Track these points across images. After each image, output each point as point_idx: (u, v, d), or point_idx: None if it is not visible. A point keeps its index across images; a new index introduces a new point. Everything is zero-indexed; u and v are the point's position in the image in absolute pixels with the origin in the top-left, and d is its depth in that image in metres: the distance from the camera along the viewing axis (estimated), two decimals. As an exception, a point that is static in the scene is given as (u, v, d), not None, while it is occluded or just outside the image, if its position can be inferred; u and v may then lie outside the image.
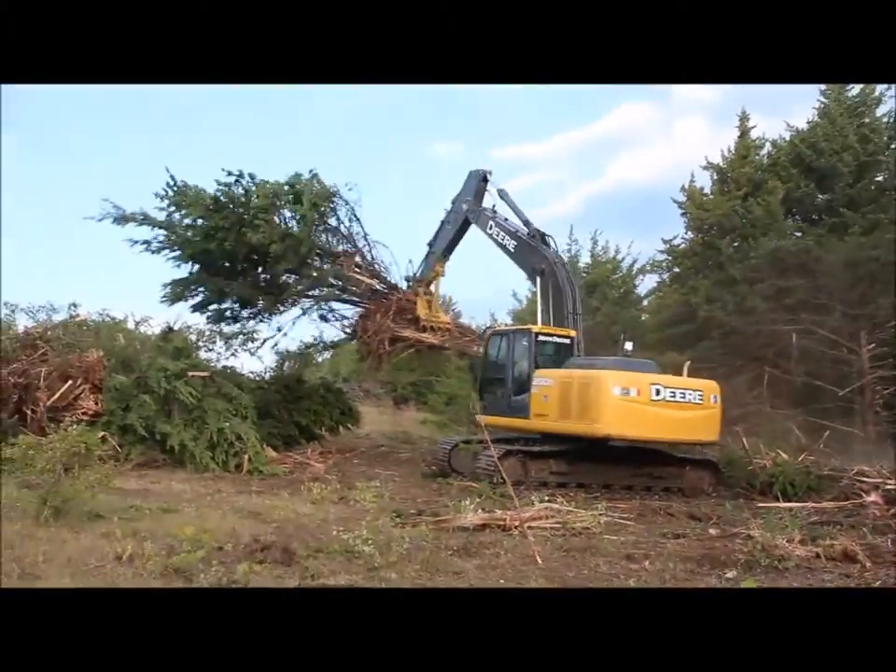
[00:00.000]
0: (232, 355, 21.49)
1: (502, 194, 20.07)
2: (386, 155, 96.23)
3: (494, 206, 20.25)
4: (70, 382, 16.63)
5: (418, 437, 25.56)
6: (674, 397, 14.52)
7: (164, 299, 22.39)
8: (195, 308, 22.77)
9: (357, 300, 22.94)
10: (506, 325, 17.53)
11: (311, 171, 21.36)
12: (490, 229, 19.54)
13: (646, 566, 8.85)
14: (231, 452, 16.89)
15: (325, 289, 22.54)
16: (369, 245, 22.81)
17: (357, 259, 22.57)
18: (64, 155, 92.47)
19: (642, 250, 45.21)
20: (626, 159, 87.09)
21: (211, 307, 23.01)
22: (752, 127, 32.43)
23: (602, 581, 8.10)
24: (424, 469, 18.38)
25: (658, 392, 14.38)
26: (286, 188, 20.77)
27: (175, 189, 21.34)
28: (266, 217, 20.07)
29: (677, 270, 30.01)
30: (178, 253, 21.80)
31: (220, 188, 21.04)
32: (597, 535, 10.53)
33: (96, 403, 16.66)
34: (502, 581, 7.84)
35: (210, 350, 20.81)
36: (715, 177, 30.23)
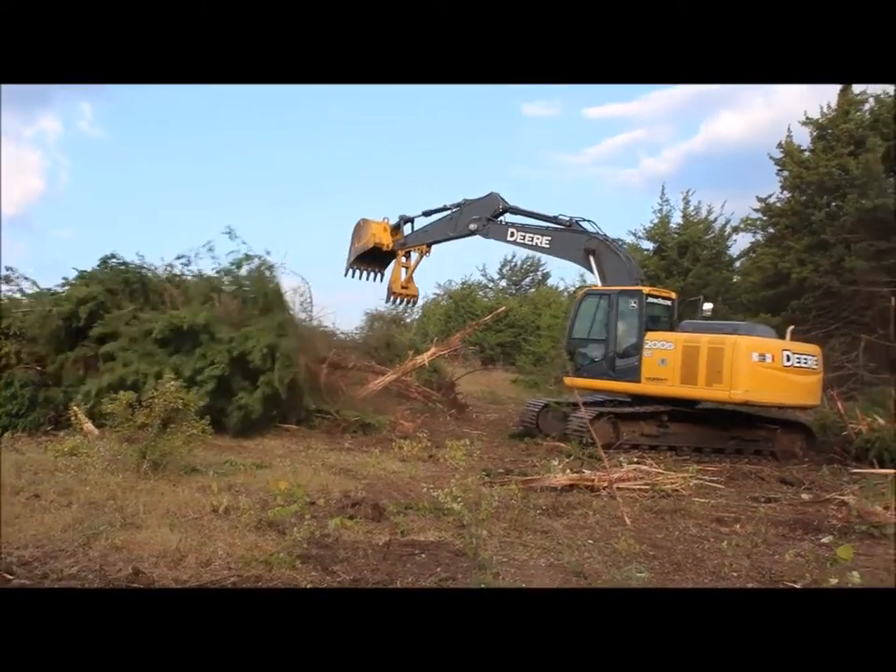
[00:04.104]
0: None
1: (515, 210, 19.16)
2: (475, 116, 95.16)
3: (503, 220, 19.28)
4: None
5: (505, 397, 25.62)
6: (799, 362, 14.81)
7: None
8: None
9: None
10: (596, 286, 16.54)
11: None
12: (511, 236, 18.73)
13: (736, 529, 8.84)
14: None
15: None
16: None
17: None
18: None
19: (736, 210, 44.16)
20: (725, 116, 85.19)
21: None
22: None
23: (692, 543, 8.12)
24: (512, 428, 18.47)
25: (788, 358, 14.61)
26: None
27: None
28: None
29: (771, 230, 29.10)
30: None
31: None
32: (687, 497, 10.53)
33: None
34: (591, 542, 7.91)
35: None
36: (814, 134, 29.18)
